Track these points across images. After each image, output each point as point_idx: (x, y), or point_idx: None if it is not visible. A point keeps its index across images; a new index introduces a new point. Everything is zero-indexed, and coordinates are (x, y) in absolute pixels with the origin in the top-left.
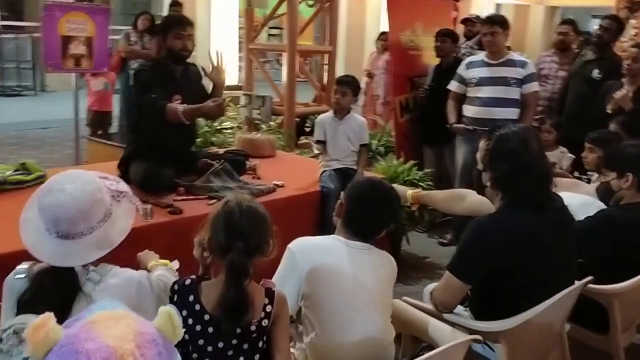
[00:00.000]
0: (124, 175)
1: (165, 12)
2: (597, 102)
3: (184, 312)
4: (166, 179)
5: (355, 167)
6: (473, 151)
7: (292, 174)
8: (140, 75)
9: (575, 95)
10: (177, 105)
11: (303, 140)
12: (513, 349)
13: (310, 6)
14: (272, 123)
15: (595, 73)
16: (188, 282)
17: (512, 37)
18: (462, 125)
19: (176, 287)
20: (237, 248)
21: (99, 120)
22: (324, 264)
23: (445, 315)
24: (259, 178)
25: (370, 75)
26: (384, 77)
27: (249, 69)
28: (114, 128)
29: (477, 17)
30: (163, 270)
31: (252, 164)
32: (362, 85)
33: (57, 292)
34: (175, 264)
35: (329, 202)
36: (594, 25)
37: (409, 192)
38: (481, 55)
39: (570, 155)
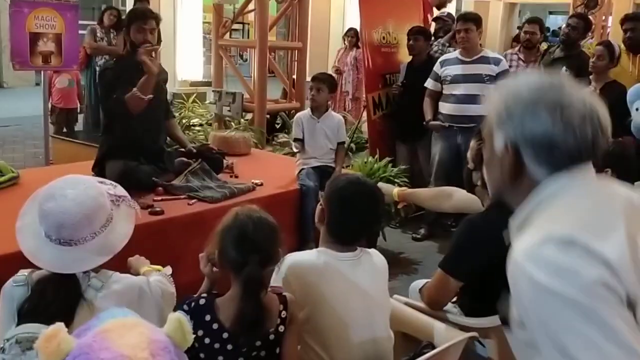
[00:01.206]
0: (99, 175)
1: (128, 6)
2: None
3: (200, 332)
4: (144, 175)
5: (333, 165)
6: (449, 148)
7: (269, 172)
8: (104, 76)
9: None
10: (131, 92)
11: (282, 138)
12: (504, 344)
13: (279, 2)
14: (242, 120)
15: (563, 70)
16: (202, 301)
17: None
18: (438, 123)
19: (187, 307)
20: (253, 261)
21: (64, 118)
22: (320, 288)
23: (436, 312)
24: (236, 177)
25: (338, 71)
26: (352, 73)
27: (218, 65)
28: (79, 125)
29: (449, 14)
30: (159, 276)
31: (230, 163)
32: None
33: (59, 299)
34: (168, 270)
35: (308, 200)
36: (558, 22)
37: (394, 190)
38: (455, 53)
39: None
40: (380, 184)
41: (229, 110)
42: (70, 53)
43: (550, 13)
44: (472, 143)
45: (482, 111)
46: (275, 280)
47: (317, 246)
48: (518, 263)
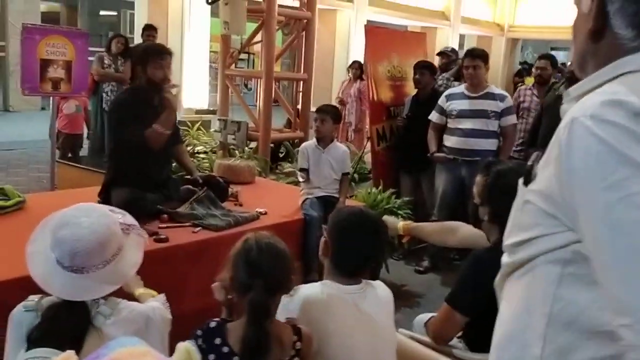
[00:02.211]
0: (105, 202)
1: (136, 33)
2: None
3: (211, 357)
4: (150, 203)
5: (337, 195)
6: (453, 180)
7: (273, 201)
8: (120, 106)
9: (548, 128)
10: (152, 127)
11: (288, 168)
12: None
13: (286, 34)
14: (246, 149)
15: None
16: (213, 324)
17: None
18: (442, 155)
19: (200, 332)
20: (258, 286)
21: (69, 143)
22: (325, 322)
23: (441, 347)
24: (241, 205)
25: (342, 102)
26: (355, 104)
27: (224, 94)
28: (84, 151)
29: (452, 49)
30: (157, 302)
31: (234, 191)
32: None
33: (69, 326)
34: (162, 297)
35: (312, 229)
36: (560, 58)
37: (399, 223)
38: (461, 88)
39: None
40: (385, 217)
41: (234, 139)
42: (80, 80)
43: (552, 49)
44: (479, 178)
45: (487, 145)
46: (289, 310)
47: (320, 278)
48: (577, 121)
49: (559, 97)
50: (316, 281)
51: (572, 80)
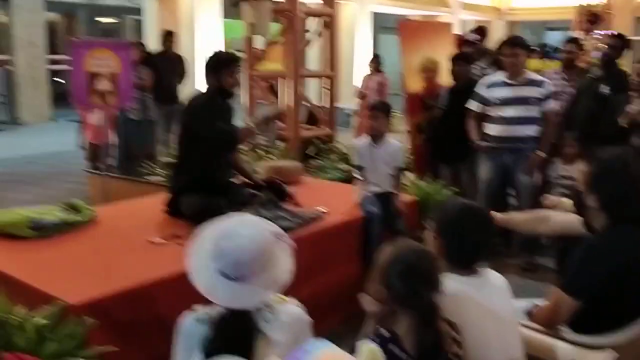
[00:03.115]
0: (173, 210)
1: (146, 39)
2: (606, 117)
3: None
4: (219, 210)
5: (392, 190)
6: (496, 168)
7: (328, 199)
8: (203, 108)
9: (585, 111)
10: (247, 125)
11: (344, 166)
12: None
13: (307, 32)
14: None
15: (603, 88)
16: (387, 333)
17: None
18: (485, 143)
19: (375, 339)
20: (424, 290)
21: (98, 153)
22: (455, 315)
23: (550, 332)
24: (300, 205)
25: (362, 96)
26: (376, 97)
27: (250, 95)
28: (111, 160)
29: (480, 29)
30: (296, 306)
31: (291, 192)
32: (356, 106)
33: (240, 334)
34: (295, 300)
35: (373, 225)
36: (556, 38)
37: None
38: (501, 76)
39: None
40: None
41: (265, 135)
42: (126, 91)
43: (548, 29)
44: (582, 166)
45: (530, 132)
46: None
47: None
48: None
49: (594, 79)
50: None
51: (607, 63)
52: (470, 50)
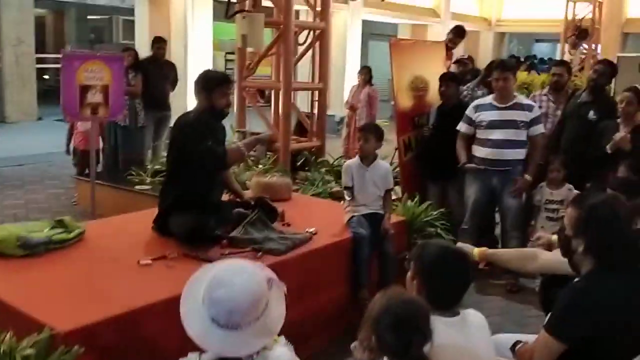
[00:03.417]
0: (162, 228)
1: (137, 41)
2: (593, 142)
3: None
4: (209, 229)
5: (382, 212)
6: (484, 189)
7: (317, 218)
8: (192, 126)
9: (572, 135)
10: (236, 146)
11: (335, 188)
12: None
13: (300, 45)
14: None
15: (591, 114)
16: None
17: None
18: (473, 165)
19: None
20: (416, 342)
21: (87, 159)
22: (435, 357)
23: None
24: (289, 225)
25: (352, 108)
26: (365, 109)
27: (241, 106)
28: (99, 167)
29: (469, 57)
30: (285, 347)
31: (281, 211)
32: (345, 117)
33: None
34: (283, 340)
35: (362, 247)
36: (543, 50)
37: (475, 250)
38: (489, 99)
39: (576, 191)
40: (461, 244)
41: (254, 151)
42: (117, 103)
43: (537, 41)
44: (571, 211)
45: (517, 155)
46: None
47: (371, 295)
48: None
49: (582, 104)
50: (366, 299)
51: (593, 88)
52: (460, 70)
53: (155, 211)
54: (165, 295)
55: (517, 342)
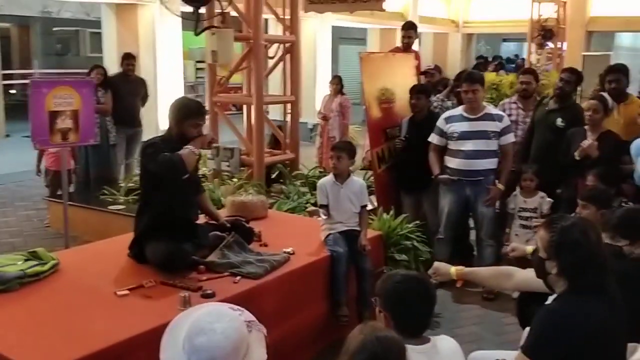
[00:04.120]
0: (138, 255)
1: (105, 56)
2: (562, 149)
3: None
4: (186, 255)
5: (358, 229)
6: (458, 199)
7: (293, 237)
8: (152, 147)
9: (541, 142)
10: (184, 147)
11: (311, 207)
12: None
13: (270, 58)
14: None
15: (559, 121)
16: None
17: (433, 63)
18: (447, 176)
19: None
20: None
21: (58, 180)
22: None
23: None
24: (266, 245)
25: (325, 118)
26: (337, 119)
27: (213, 121)
28: (71, 187)
29: (436, 66)
30: None
31: (257, 231)
32: (318, 127)
33: None
34: None
35: (340, 265)
36: (511, 49)
37: (452, 269)
38: (459, 110)
39: (549, 199)
40: (437, 264)
41: (228, 165)
42: (87, 128)
43: (504, 40)
44: (543, 233)
45: (489, 165)
46: None
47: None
48: None
49: (550, 111)
50: (345, 316)
51: (560, 96)
52: (427, 81)
53: (130, 236)
54: (144, 327)
55: None
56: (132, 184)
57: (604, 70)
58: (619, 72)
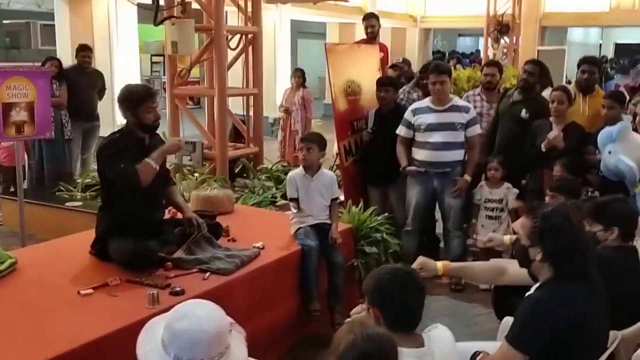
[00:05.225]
0: (101, 254)
1: (59, 47)
2: (527, 141)
3: None
4: (152, 252)
5: (329, 222)
6: (425, 191)
7: (263, 231)
8: (110, 148)
9: (506, 134)
10: (144, 161)
11: (280, 201)
12: None
13: (232, 49)
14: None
15: (523, 113)
16: None
17: (391, 58)
18: (414, 168)
19: None
20: None
21: (11, 176)
22: None
23: None
24: (234, 240)
25: (287, 111)
26: (300, 112)
27: (174, 115)
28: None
29: (404, 60)
30: None
31: (225, 226)
32: (280, 120)
33: None
34: None
35: (311, 259)
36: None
37: (438, 264)
38: (426, 102)
39: (514, 190)
40: (423, 260)
41: (190, 160)
42: (43, 120)
43: (460, 35)
44: (525, 221)
45: (456, 156)
46: None
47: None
48: None
49: (514, 103)
50: (317, 310)
51: (524, 88)
52: (396, 74)
53: (91, 232)
54: (112, 327)
55: (476, 353)
56: (90, 180)
57: (580, 59)
58: (594, 65)
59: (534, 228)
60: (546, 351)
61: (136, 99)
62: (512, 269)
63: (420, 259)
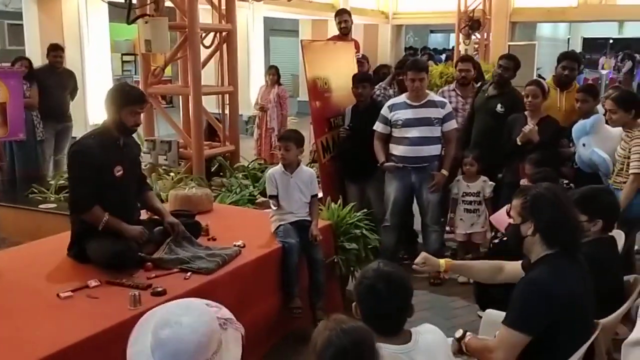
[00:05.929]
0: (79, 256)
1: (27, 47)
2: (503, 135)
3: None
4: (132, 253)
5: (309, 219)
6: (404, 187)
7: (243, 230)
8: (81, 156)
9: (481, 128)
10: (102, 215)
11: (260, 199)
12: None
13: (207, 47)
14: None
15: (499, 107)
16: None
17: (362, 54)
18: (392, 164)
19: None
20: None
21: None
22: None
23: None
24: (214, 239)
25: (262, 108)
26: (276, 110)
27: (149, 114)
28: None
29: (363, 56)
30: None
31: (205, 225)
32: (255, 118)
33: None
34: None
35: (291, 257)
36: (438, 40)
37: (441, 261)
38: (403, 98)
39: (491, 183)
40: (426, 256)
41: (165, 159)
42: (16, 121)
43: (432, 32)
44: (515, 202)
45: (434, 151)
46: None
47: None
48: None
49: (489, 97)
50: (299, 308)
51: (499, 82)
52: (360, 71)
53: (66, 235)
54: (93, 330)
55: (464, 334)
56: (63, 181)
57: (560, 55)
58: (575, 61)
59: (525, 203)
60: (545, 329)
61: (127, 99)
62: (509, 268)
63: (424, 254)
